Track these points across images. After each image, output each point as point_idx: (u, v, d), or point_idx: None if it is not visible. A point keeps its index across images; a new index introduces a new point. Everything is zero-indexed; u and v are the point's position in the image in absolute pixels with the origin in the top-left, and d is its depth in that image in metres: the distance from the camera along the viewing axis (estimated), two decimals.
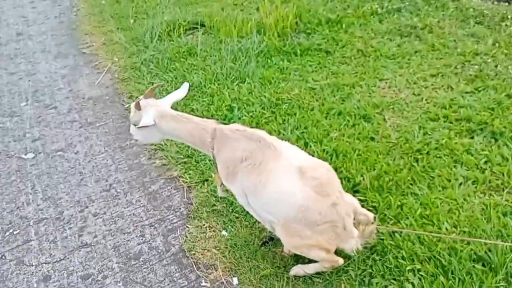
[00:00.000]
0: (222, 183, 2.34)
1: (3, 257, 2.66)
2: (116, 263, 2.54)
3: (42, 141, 3.71)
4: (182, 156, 3.21)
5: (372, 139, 3.04)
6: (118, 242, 2.67)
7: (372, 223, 2.23)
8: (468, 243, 2.20)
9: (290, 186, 1.97)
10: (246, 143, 2.09)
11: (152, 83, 4.09)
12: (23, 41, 5.58)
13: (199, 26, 4.86)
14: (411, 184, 2.64)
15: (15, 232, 2.83)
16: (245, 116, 3.42)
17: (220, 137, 2.19)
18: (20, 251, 2.68)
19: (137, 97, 3.90)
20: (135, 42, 4.84)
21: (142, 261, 2.54)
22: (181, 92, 2.46)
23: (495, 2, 4.35)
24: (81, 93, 4.30)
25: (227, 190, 2.37)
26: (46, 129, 3.86)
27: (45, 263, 2.58)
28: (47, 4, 6.61)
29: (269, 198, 2.04)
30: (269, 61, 4.04)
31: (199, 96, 3.78)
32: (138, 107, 2.26)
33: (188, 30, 4.85)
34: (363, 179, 2.69)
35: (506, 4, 4.31)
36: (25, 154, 3.58)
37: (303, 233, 2.05)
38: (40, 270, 2.54)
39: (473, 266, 2.09)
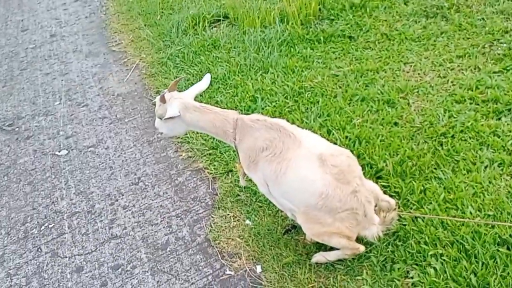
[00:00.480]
0: (244, 173, 2.38)
1: (39, 250, 2.80)
2: (144, 253, 2.63)
3: (75, 138, 3.86)
4: (207, 148, 3.27)
5: (396, 124, 3.00)
6: (146, 233, 2.77)
7: (394, 209, 2.22)
8: (493, 226, 2.16)
9: (310, 174, 1.99)
10: (267, 132, 2.13)
11: (178, 77, 4.17)
12: (56, 42, 5.78)
13: (223, 18, 4.89)
14: (435, 168, 2.60)
15: (50, 226, 2.97)
16: (268, 106, 3.44)
17: (242, 127, 2.23)
18: (55, 244, 2.82)
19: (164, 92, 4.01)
20: (161, 38, 4.92)
21: (169, 251, 2.62)
22: (203, 83, 2.52)
23: None
24: (111, 90, 4.43)
25: (249, 180, 2.41)
26: (78, 126, 4.01)
27: (78, 255, 2.70)
28: (78, 5, 6.80)
29: (289, 186, 2.06)
30: (292, 49, 4.04)
31: (224, 88, 3.82)
32: (163, 100, 2.33)
33: (213, 23, 4.89)
34: (386, 165, 2.67)
35: None
36: (59, 151, 3.74)
37: (324, 221, 2.06)
38: (73, 262, 2.67)
39: (497, 250, 2.05)
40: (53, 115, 4.27)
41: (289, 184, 2.05)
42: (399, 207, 2.41)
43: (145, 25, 5.37)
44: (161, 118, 2.36)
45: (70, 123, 4.09)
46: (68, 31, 5.99)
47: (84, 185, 3.29)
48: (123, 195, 3.12)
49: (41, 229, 2.97)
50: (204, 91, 3.74)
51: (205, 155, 3.24)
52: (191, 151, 3.33)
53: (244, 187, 2.83)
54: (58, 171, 3.51)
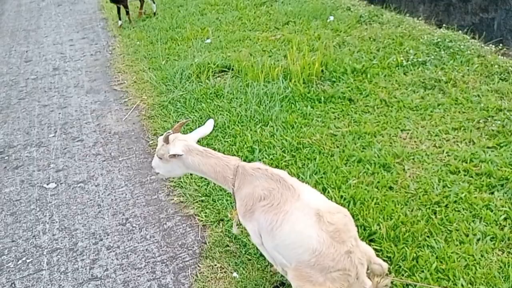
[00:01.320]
0: (238, 221, 2.34)
1: (13, 285, 2.69)
2: None
3: (65, 172, 3.81)
4: (200, 195, 3.23)
5: (391, 188, 3.01)
6: (128, 277, 2.68)
7: (387, 274, 2.18)
8: None
9: (306, 229, 1.96)
10: (267, 182, 2.11)
11: (178, 122, 4.18)
12: (58, 75, 5.83)
13: (227, 70, 4.99)
14: (427, 236, 2.58)
15: (27, 261, 2.87)
16: (266, 158, 3.45)
17: (242, 174, 2.23)
18: (30, 280, 2.72)
19: (161, 134, 4.01)
20: (164, 82, 4.99)
21: None
22: (207, 128, 2.54)
23: None
24: (108, 127, 4.43)
25: (242, 229, 2.37)
26: (71, 160, 3.97)
27: None
28: (85, 42, 6.93)
29: (284, 240, 2.02)
30: (293, 106, 4.10)
31: (222, 137, 3.84)
32: (166, 141, 2.33)
33: (217, 73, 4.98)
34: (380, 228, 2.66)
35: None
36: (47, 184, 3.67)
37: (315, 279, 2.01)
38: None
39: None
40: (46, 147, 4.23)
41: (284, 237, 2.02)
42: (390, 273, 2.37)
43: (149, 68, 5.46)
44: (161, 158, 2.35)
45: (63, 156, 4.05)
46: (72, 66, 6.06)
47: (69, 221, 3.21)
48: (108, 235, 3.04)
49: (18, 263, 2.86)
50: (203, 138, 3.77)
51: (197, 201, 3.19)
52: (183, 196, 3.29)
53: (235, 238, 2.78)
54: (44, 204, 3.44)
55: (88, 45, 6.79)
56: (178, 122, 4.14)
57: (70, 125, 4.57)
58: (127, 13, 7.22)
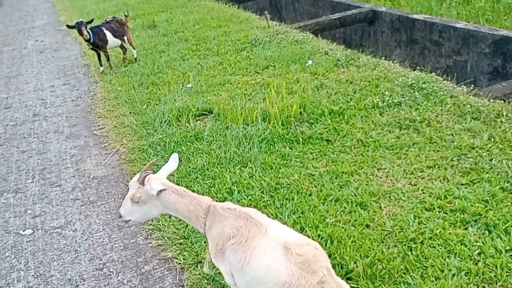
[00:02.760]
0: (210, 260, 2.33)
1: None
2: None
3: (42, 217, 3.77)
4: (178, 237, 3.22)
5: (368, 226, 3.04)
6: None
7: None
8: None
9: (274, 262, 1.97)
10: (235, 221, 2.13)
11: (157, 165, 4.20)
12: (38, 121, 5.84)
13: (207, 113, 5.06)
14: (404, 273, 2.59)
15: None
16: (244, 199, 3.46)
17: (213, 214, 2.24)
18: None
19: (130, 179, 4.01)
20: (145, 126, 5.03)
21: None
22: (173, 164, 2.54)
23: (491, 100, 4.51)
24: (87, 172, 4.42)
25: (212, 268, 2.36)
26: (48, 206, 3.93)
27: None
28: (66, 88, 6.98)
29: (253, 275, 2.02)
30: (271, 147, 4.16)
31: (201, 179, 3.85)
32: (142, 182, 2.33)
33: (197, 116, 5.04)
34: (357, 266, 2.66)
35: (502, 101, 4.47)
36: (23, 230, 3.62)
37: None
38: None
39: None
40: (23, 193, 4.19)
41: (253, 273, 2.01)
42: None
43: (130, 113, 5.51)
44: (137, 202, 2.35)
45: (40, 202, 4.01)
46: (52, 112, 6.08)
47: (45, 268, 3.15)
48: (84, 281, 2.98)
49: None
50: (182, 180, 3.79)
51: (175, 244, 3.17)
52: (161, 239, 3.27)
53: (213, 280, 2.75)
54: (19, 251, 3.38)
55: (69, 91, 6.84)
56: (156, 165, 4.17)
57: (48, 170, 4.55)
58: (108, 59, 7.33)
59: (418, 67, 5.89)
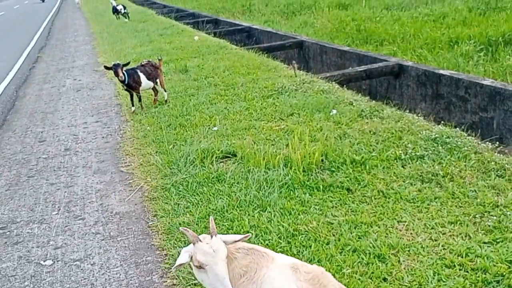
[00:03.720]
0: None
1: None
2: None
3: (63, 249, 3.85)
4: (193, 278, 3.22)
5: (385, 279, 2.99)
6: None
7: None
8: None
9: (285, 283, 2.00)
10: (244, 259, 2.17)
11: (178, 204, 4.27)
12: (68, 156, 6.04)
13: (231, 156, 5.15)
14: None
15: None
16: (261, 243, 3.47)
17: (228, 259, 2.26)
18: None
19: (161, 217, 4.09)
20: (169, 165, 5.14)
21: None
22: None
23: None
24: (110, 207, 4.51)
25: None
26: (70, 238, 4.01)
27: None
28: (98, 125, 7.23)
29: None
30: (291, 193, 4.19)
31: (220, 220, 3.89)
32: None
33: (221, 159, 5.14)
34: None
35: None
36: (44, 261, 3.69)
37: None
38: None
39: None
40: (48, 224, 4.30)
41: None
42: None
43: (156, 152, 5.65)
44: None
45: (63, 234, 4.10)
46: (83, 148, 6.28)
47: None
48: None
49: None
50: (201, 221, 3.84)
51: (189, 285, 3.18)
52: (176, 279, 3.28)
53: None
54: (38, 281, 3.44)
55: (100, 128, 7.08)
56: (178, 204, 4.24)
57: (74, 203, 4.67)
58: (140, 99, 7.60)
59: (442, 122, 5.90)
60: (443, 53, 11.85)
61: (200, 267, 2.09)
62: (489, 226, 3.46)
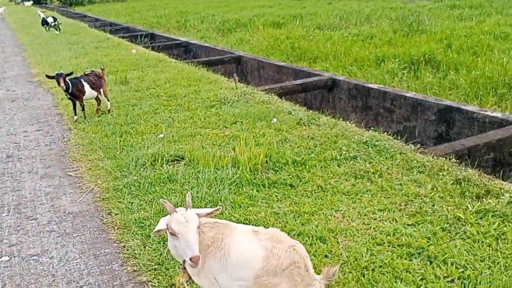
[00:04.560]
0: (187, 280, 2.64)
1: None
2: None
3: (19, 246, 3.93)
4: (153, 264, 3.47)
5: (326, 256, 3.41)
6: None
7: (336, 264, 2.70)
8: None
9: (250, 245, 2.35)
10: (210, 232, 2.49)
11: (132, 203, 4.47)
12: (12, 162, 6.00)
13: (180, 159, 5.41)
14: None
15: None
16: None
17: None
18: None
19: (116, 214, 4.28)
20: (119, 169, 5.31)
21: None
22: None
23: (435, 157, 5.09)
24: (62, 208, 4.62)
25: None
26: (24, 236, 4.09)
27: None
28: (39, 133, 7.19)
29: (236, 264, 2.37)
30: (240, 189, 4.53)
31: None
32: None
33: (170, 162, 5.38)
34: None
35: (444, 158, 5.06)
36: (0, 257, 3.76)
37: (273, 283, 2.34)
38: None
39: None
40: None
41: (235, 261, 2.36)
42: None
43: (104, 157, 5.78)
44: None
45: (16, 233, 4.17)
46: (26, 155, 6.26)
47: None
48: None
49: None
50: (156, 216, 4.07)
51: (150, 270, 3.42)
52: (136, 266, 3.50)
53: None
54: None
55: (42, 137, 7.05)
56: (132, 203, 4.45)
57: (23, 206, 4.71)
58: (83, 108, 7.66)
59: (372, 128, 6.51)
60: (371, 70, 12.82)
61: (173, 234, 2.38)
62: (412, 211, 4.00)
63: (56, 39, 18.28)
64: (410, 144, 5.49)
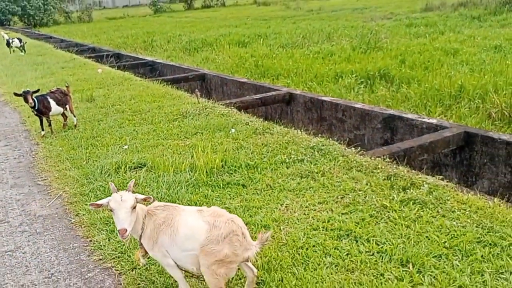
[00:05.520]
0: (143, 255, 3.13)
1: None
2: None
3: None
4: (116, 253, 3.92)
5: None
6: None
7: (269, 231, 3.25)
8: None
9: (195, 221, 2.87)
10: (162, 213, 2.99)
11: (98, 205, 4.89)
12: None
13: (142, 166, 5.87)
14: (291, 266, 3.49)
15: None
16: None
17: (149, 215, 3.06)
18: None
19: (83, 214, 4.70)
20: (86, 177, 5.72)
21: None
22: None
23: (372, 158, 5.72)
24: (32, 212, 5.00)
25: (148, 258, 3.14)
26: None
27: None
28: (7, 148, 7.52)
29: (184, 237, 2.87)
30: (197, 189, 5.03)
31: None
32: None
33: (133, 169, 5.84)
34: (257, 261, 3.52)
35: (380, 159, 5.69)
36: None
37: (216, 250, 2.88)
38: None
39: None
40: None
41: (184, 235, 2.86)
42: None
43: (71, 167, 6.18)
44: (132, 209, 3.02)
45: None
46: None
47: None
48: (36, 286, 3.57)
49: None
50: None
51: (114, 258, 3.87)
52: (102, 255, 3.94)
53: (146, 278, 3.47)
54: None
55: (11, 151, 7.38)
56: (99, 205, 4.87)
57: None
58: (49, 124, 8.03)
59: (320, 135, 7.12)
60: (329, 85, 13.59)
61: (111, 210, 2.93)
62: (347, 202, 4.58)
63: (22, 60, 18.46)
64: (352, 148, 6.12)
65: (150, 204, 3.17)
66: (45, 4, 58.66)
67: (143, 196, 3.09)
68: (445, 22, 24.68)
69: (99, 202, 3.03)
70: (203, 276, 2.98)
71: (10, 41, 21.61)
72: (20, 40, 21.76)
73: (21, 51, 21.11)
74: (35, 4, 57.71)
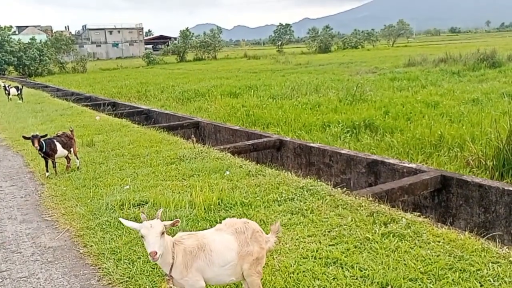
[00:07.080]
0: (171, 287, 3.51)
1: None
2: None
3: (8, 272, 4.67)
4: (125, 277, 4.31)
5: (264, 267, 4.36)
6: None
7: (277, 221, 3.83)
8: None
9: (221, 236, 3.38)
10: (188, 241, 3.41)
11: (104, 237, 5.31)
12: None
13: (144, 203, 6.32)
14: (285, 287, 3.91)
15: None
16: None
17: (176, 246, 3.45)
18: None
19: (91, 246, 5.10)
20: (91, 213, 6.14)
21: None
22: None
23: (357, 197, 6.24)
24: (43, 243, 5.38)
25: None
26: (12, 265, 4.84)
27: None
28: (14, 188, 7.92)
29: (220, 254, 3.37)
30: (196, 224, 5.47)
31: (141, 245, 5.01)
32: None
33: (136, 206, 6.27)
34: None
35: (364, 198, 6.20)
36: None
37: (250, 251, 3.42)
38: None
39: None
40: None
41: (219, 252, 3.36)
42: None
43: (77, 205, 6.60)
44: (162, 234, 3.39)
45: (4, 263, 4.90)
46: (4, 205, 6.98)
47: None
48: None
49: None
50: (125, 246, 4.92)
51: (122, 282, 4.25)
52: (111, 280, 4.33)
53: None
54: None
55: (17, 190, 7.78)
56: (103, 237, 5.28)
57: (8, 243, 5.44)
58: (54, 165, 8.48)
59: (308, 176, 7.64)
60: (317, 134, 14.29)
61: (142, 237, 3.32)
62: (333, 235, 5.05)
63: (20, 108, 19.04)
64: (338, 188, 6.64)
65: (178, 227, 3.64)
66: (41, 55, 60.13)
67: (171, 222, 3.43)
68: (427, 77, 25.99)
69: (130, 224, 3.41)
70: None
71: (8, 89, 22.28)
72: (17, 88, 22.43)
73: (19, 99, 21.72)
74: (31, 55, 59.15)
